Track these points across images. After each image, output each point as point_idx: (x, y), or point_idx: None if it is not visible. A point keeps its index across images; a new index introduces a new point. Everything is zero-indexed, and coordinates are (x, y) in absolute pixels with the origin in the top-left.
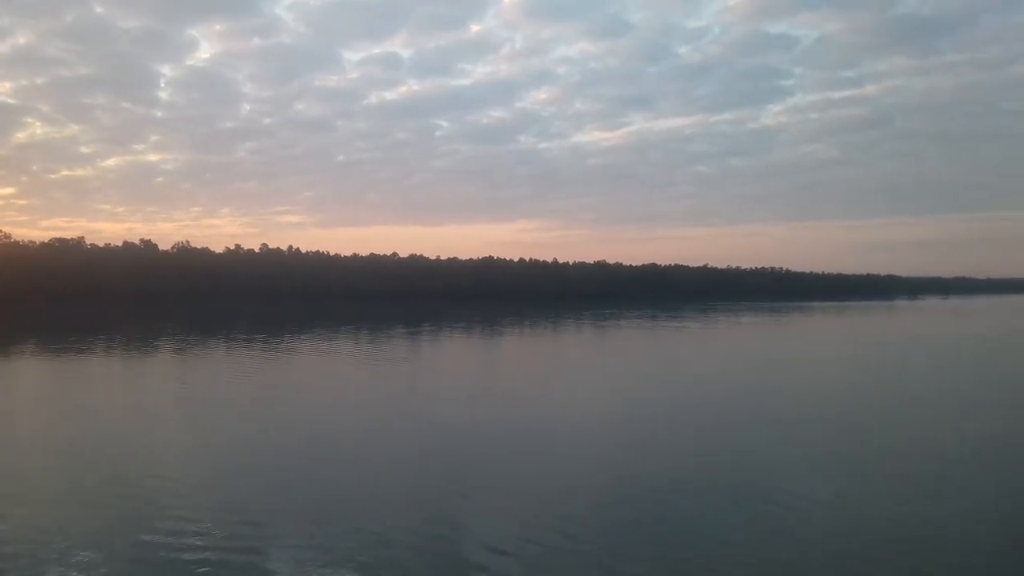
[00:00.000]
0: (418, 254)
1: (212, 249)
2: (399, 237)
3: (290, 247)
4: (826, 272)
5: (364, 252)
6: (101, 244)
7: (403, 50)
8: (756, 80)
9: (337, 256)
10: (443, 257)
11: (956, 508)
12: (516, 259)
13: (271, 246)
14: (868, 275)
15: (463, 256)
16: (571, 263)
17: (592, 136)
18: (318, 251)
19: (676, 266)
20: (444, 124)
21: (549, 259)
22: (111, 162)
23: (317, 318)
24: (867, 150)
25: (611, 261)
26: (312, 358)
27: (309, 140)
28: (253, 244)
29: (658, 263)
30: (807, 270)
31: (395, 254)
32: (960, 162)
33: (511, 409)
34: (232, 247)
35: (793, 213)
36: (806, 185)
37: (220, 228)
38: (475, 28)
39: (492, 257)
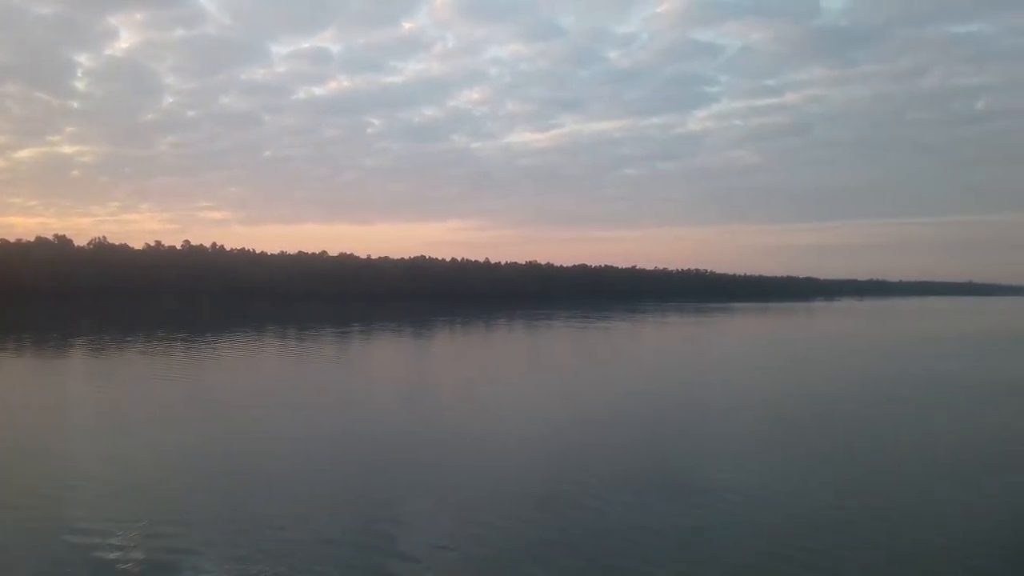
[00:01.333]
0: (348, 253)
1: (131, 245)
2: (329, 235)
3: (214, 244)
4: (749, 274)
5: (292, 250)
6: (12, 239)
7: (333, 45)
8: (683, 86)
9: (263, 254)
10: (374, 256)
11: (884, 500)
12: (448, 259)
13: (194, 243)
14: (788, 277)
15: (395, 255)
16: (503, 263)
17: (524, 137)
18: (243, 249)
19: (606, 267)
20: (375, 122)
21: (481, 259)
22: (24, 154)
23: (242, 318)
24: (788, 157)
25: (542, 261)
26: (236, 359)
27: (235, 135)
28: (174, 241)
29: (588, 264)
30: (731, 272)
31: (324, 252)
32: (874, 169)
33: (442, 412)
34: (152, 244)
35: (718, 216)
36: (730, 189)
37: (140, 224)
38: (407, 25)
39: (424, 256)
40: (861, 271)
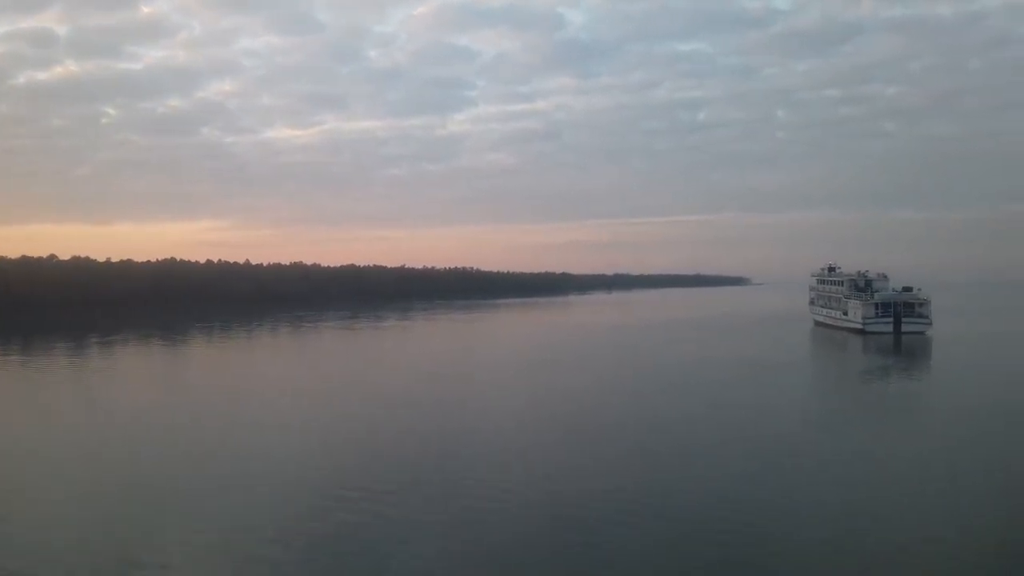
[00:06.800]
0: (84, 256)
1: None
2: (60, 237)
3: None
4: (511, 271)
5: (14, 254)
6: None
7: (58, 26)
8: (442, 88)
9: None
10: (115, 259)
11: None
12: (203, 260)
13: None
14: (546, 273)
15: (140, 258)
16: (265, 264)
17: (283, 133)
18: None
19: (375, 267)
20: (111, 111)
21: (241, 260)
22: None
23: None
24: (541, 160)
25: (308, 262)
26: None
27: None
28: None
29: (357, 263)
30: (494, 269)
31: (53, 256)
32: (615, 173)
33: (199, 432)
34: None
35: (481, 216)
36: (491, 190)
37: None
38: (146, 10)
39: (175, 259)
40: (608, 266)
